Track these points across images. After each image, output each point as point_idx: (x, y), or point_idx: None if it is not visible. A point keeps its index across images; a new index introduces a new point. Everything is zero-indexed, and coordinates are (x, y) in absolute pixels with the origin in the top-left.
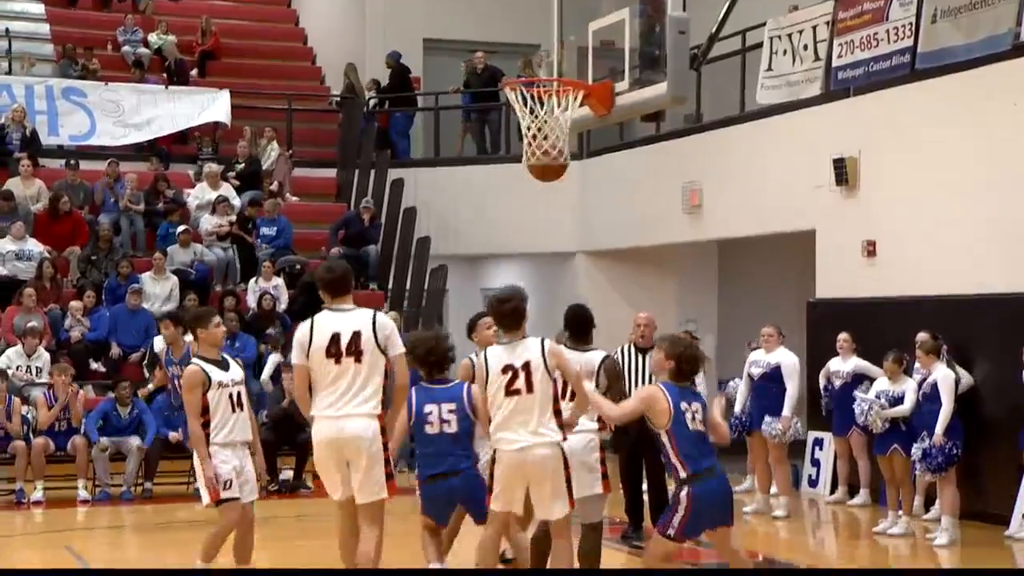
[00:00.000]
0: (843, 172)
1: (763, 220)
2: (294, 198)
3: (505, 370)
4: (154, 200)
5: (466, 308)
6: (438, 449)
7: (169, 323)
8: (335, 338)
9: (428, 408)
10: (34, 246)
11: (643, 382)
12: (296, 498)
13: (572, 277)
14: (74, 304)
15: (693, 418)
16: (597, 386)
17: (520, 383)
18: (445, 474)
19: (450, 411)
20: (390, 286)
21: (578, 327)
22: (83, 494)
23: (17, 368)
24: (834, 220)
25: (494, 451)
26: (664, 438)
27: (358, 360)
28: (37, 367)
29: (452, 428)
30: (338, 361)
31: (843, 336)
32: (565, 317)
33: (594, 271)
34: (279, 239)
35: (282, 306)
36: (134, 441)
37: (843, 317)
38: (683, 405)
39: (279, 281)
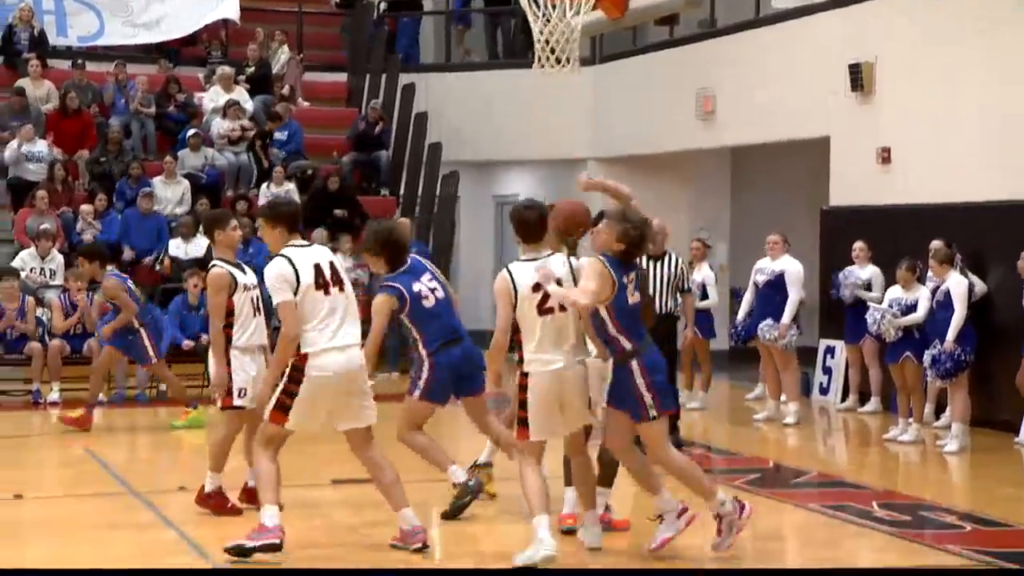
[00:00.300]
0: (859, 78)
1: (777, 127)
2: (306, 103)
3: (536, 288)
4: (165, 103)
5: (478, 215)
6: (442, 318)
7: (83, 260)
8: (318, 270)
9: (416, 287)
10: (45, 147)
11: (655, 292)
12: None
13: None
14: (85, 208)
15: (632, 291)
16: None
17: (553, 301)
18: (456, 340)
19: (429, 280)
20: (402, 192)
21: None
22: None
23: (31, 270)
24: (849, 127)
25: (523, 375)
26: (603, 312)
27: (342, 290)
28: (51, 269)
29: (441, 294)
30: (327, 292)
31: (859, 245)
32: (593, 224)
33: (606, 178)
34: (290, 144)
35: None
36: None
37: (856, 225)
38: (624, 278)
39: (291, 186)
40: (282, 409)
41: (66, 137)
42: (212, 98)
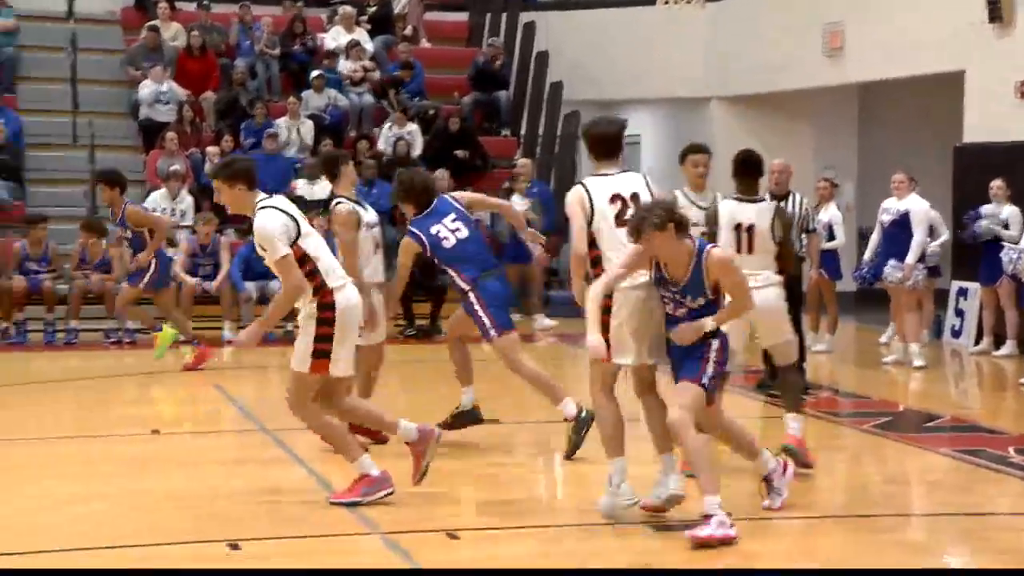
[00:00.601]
0: (997, 8)
1: (908, 61)
2: (428, 43)
3: (613, 199)
4: (289, 42)
5: None
6: (470, 254)
7: (105, 186)
8: (301, 217)
9: (434, 229)
10: (174, 88)
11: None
12: (431, 343)
13: (706, 123)
14: (212, 149)
15: None
16: (772, 237)
17: (629, 215)
18: (492, 271)
19: (452, 221)
20: (522, 132)
21: (748, 174)
22: (228, 334)
23: (162, 211)
24: (985, 60)
25: (606, 295)
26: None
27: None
28: (181, 210)
29: (463, 233)
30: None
31: (997, 183)
32: (734, 163)
33: (729, 117)
34: (412, 84)
35: (416, 152)
36: (275, 285)
37: (991, 162)
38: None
39: (414, 127)
40: (323, 356)
41: (192, 78)
42: (333, 38)
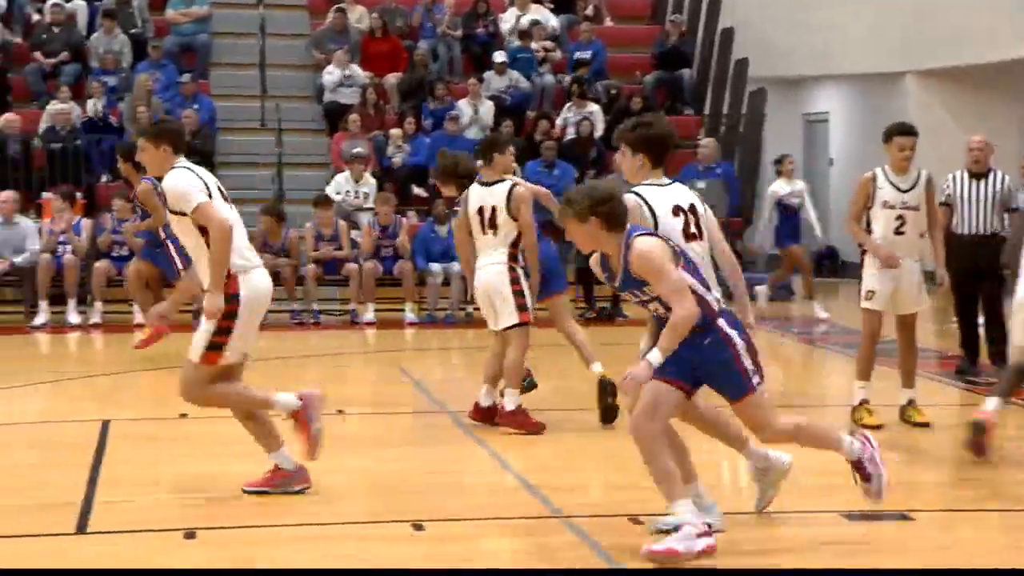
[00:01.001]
0: None
1: None
2: (610, 22)
3: (676, 211)
4: (472, 23)
5: (785, 134)
6: None
7: (121, 159)
8: (215, 185)
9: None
10: (358, 71)
11: (977, 212)
12: (611, 325)
13: (900, 99)
14: (394, 132)
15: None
16: None
17: (693, 227)
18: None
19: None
20: (706, 111)
21: None
22: (410, 316)
23: (347, 193)
24: None
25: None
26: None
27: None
28: (364, 192)
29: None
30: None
31: None
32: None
33: (924, 93)
34: (594, 63)
35: (599, 132)
36: (456, 267)
37: None
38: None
39: (595, 107)
40: (217, 349)
41: (376, 60)
42: (507, 20)
